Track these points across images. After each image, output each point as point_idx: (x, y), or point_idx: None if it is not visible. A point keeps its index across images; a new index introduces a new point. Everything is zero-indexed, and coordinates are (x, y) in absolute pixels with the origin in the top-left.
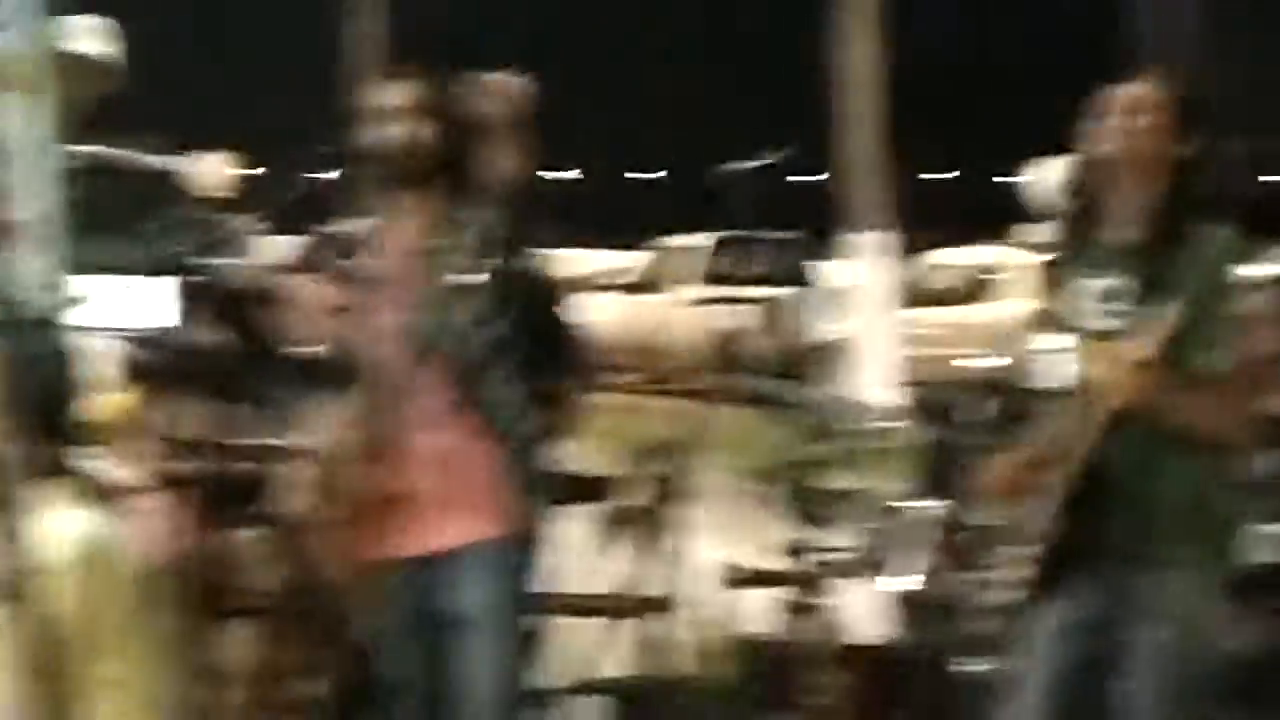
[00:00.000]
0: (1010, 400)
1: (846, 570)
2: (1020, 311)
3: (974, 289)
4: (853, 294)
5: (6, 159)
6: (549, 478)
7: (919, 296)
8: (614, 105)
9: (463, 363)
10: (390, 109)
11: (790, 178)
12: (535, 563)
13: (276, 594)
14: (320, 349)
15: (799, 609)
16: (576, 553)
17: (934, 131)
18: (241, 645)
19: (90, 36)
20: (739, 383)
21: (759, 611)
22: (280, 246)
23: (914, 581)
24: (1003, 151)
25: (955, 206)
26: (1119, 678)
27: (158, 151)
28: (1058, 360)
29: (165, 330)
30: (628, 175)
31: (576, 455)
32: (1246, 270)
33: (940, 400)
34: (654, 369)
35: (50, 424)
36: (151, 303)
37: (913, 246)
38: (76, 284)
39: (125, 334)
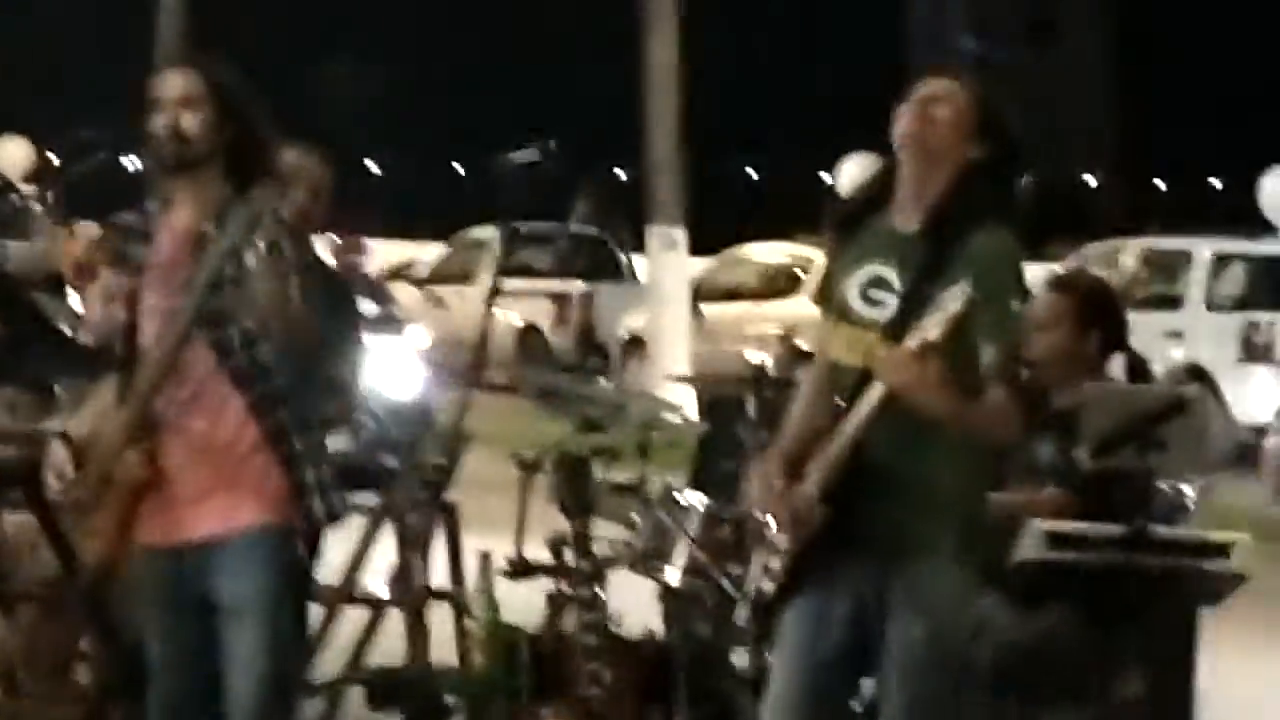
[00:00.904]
0: (777, 394)
1: (618, 562)
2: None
3: (776, 284)
4: (648, 289)
5: None
6: (325, 465)
7: (718, 291)
8: (425, 96)
9: (225, 347)
10: (164, 98)
11: (599, 172)
12: (307, 551)
13: (44, 581)
14: (98, 333)
15: (570, 600)
16: (346, 542)
17: (750, 129)
18: (9, 632)
19: None
20: (527, 375)
21: (530, 602)
22: (71, 232)
23: (681, 574)
24: (821, 148)
25: (766, 202)
26: (874, 670)
27: None
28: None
29: None
30: (435, 167)
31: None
32: (1023, 270)
33: (718, 394)
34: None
35: None
36: None
37: (716, 241)
38: None
39: None
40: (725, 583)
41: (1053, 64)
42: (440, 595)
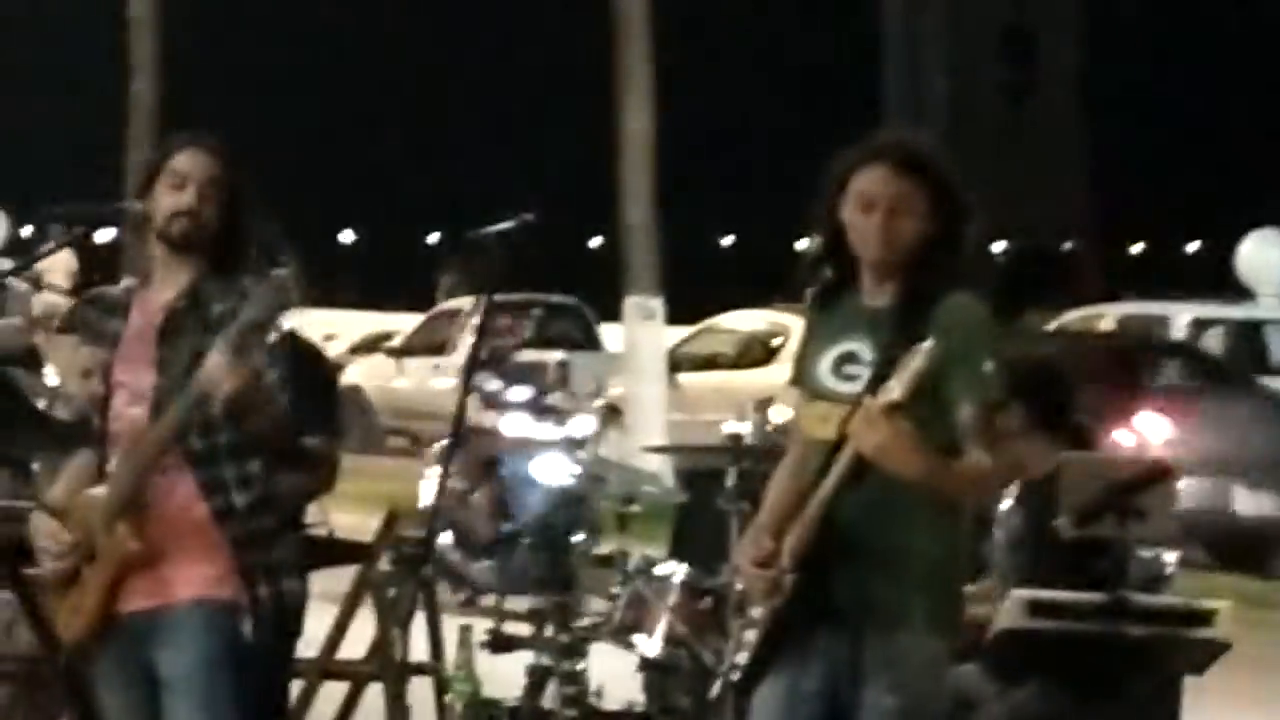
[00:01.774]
0: (755, 465)
1: (598, 634)
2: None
3: (752, 353)
4: (625, 358)
5: None
6: (296, 541)
7: (694, 361)
8: (396, 167)
9: (187, 428)
10: (190, 176)
11: (570, 241)
12: (260, 627)
13: (22, 658)
14: (75, 407)
15: (550, 673)
16: (326, 616)
17: (721, 196)
18: None
19: None
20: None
21: (510, 676)
22: (45, 304)
23: (660, 646)
24: (794, 216)
25: (743, 270)
26: None
27: None
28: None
29: None
30: (410, 237)
31: (331, 518)
32: (992, 328)
33: (696, 464)
34: (419, 432)
35: None
36: None
37: (693, 310)
38: None
39: None
40: (705, 655)
41: (1028, 126)
42: (420, 669)
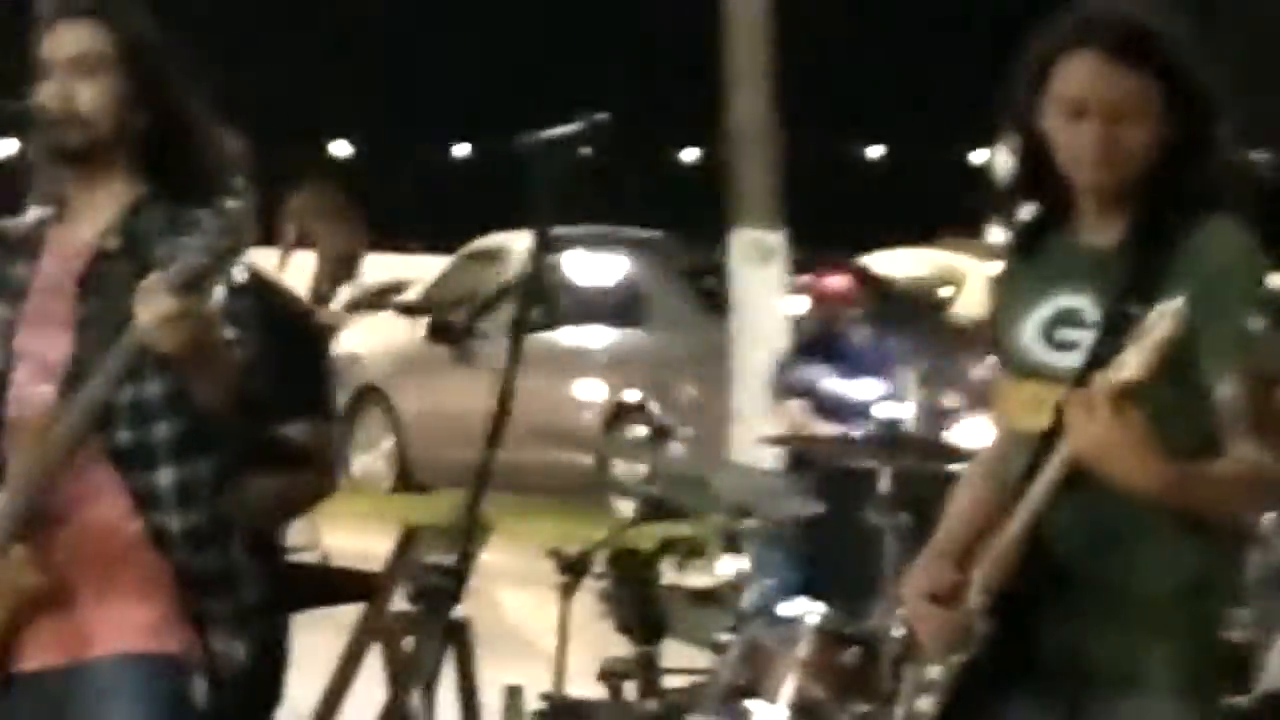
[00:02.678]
0: (921, 462)
1: (699, 701)
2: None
3: (915, 306)
4: (730, 315)
5: None
6: (273, 571)
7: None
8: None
9: (112, 410)
10: (54, 60)
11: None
12: (218, 692)
13: None
14: None
15: None
16: (319, 673)
17: (864, 92)
18: None
19: None
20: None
21: None
22: None
23: (786, 714)
24: (967, 119)
25: (897, 194)
26: None
27: None
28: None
29: None
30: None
31: (328, 539)
32: (1263, 273)
33: (835, 462)
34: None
35: None
36: None
37: (827, 249)
38: None
39: None
40: None
41: None
42: None
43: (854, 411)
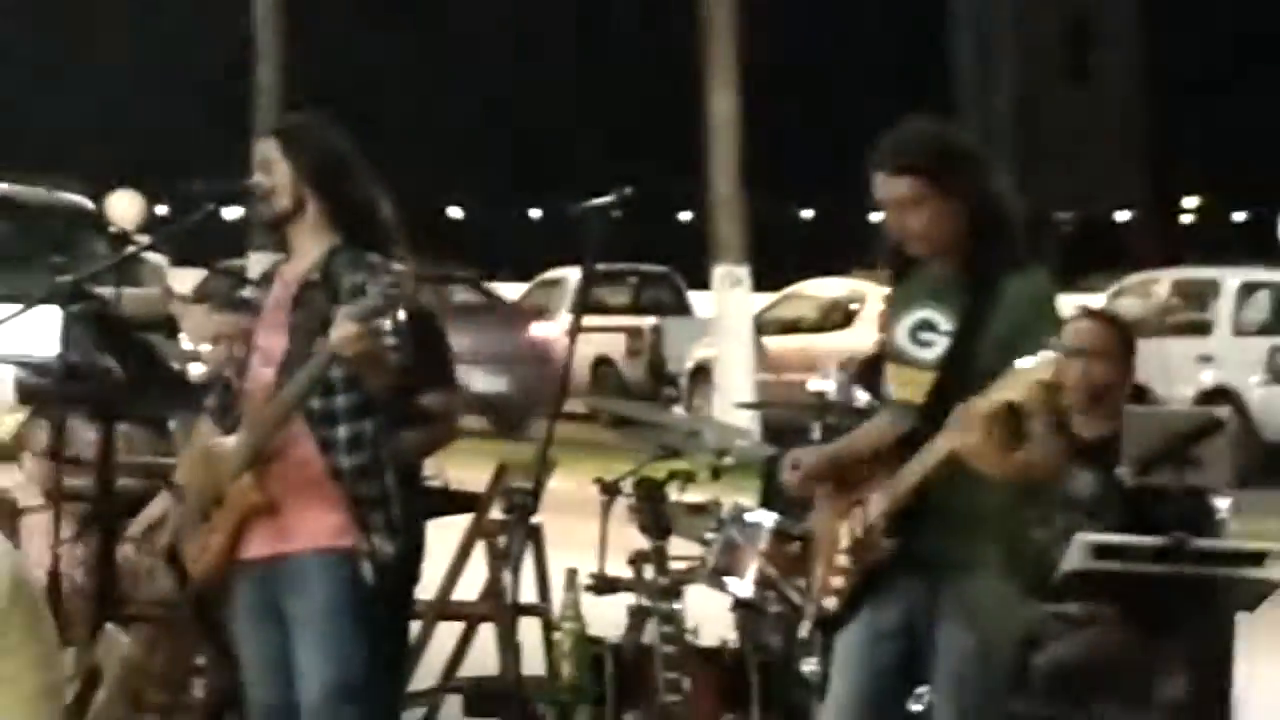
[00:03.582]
0: (839, 420)
1: (694, 577)
2: (868, 339)
3: (833, 317)
4: (713, 323)
5: None
6: (413, 494)
7: (779, 324)
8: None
9: (315, 389)
10: (262, 159)
11: (665, 215)
12: (380, 573)
13: (161, 602)
14: (205, 372)
15: (650, 613)
16: (442, 562)
17: (802, 172)
18: (130, 648)
19: None
20: (606, 403)
21: (613, 616)
22: (180, 277)
23: (751, 587)
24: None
25: (824, 241)
26: (926, 678)
27: (70, 189)
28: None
29: (53, 355)
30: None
31: (447, 471)
32: (1057, 309)
33: (782, 420)
34: None
35: None
36: (51, 331)
37: (777, 278)
38: None
39: (18, 359)
40: (793, 595)
41: (1088, 106)
42: (529, 610)
43: None
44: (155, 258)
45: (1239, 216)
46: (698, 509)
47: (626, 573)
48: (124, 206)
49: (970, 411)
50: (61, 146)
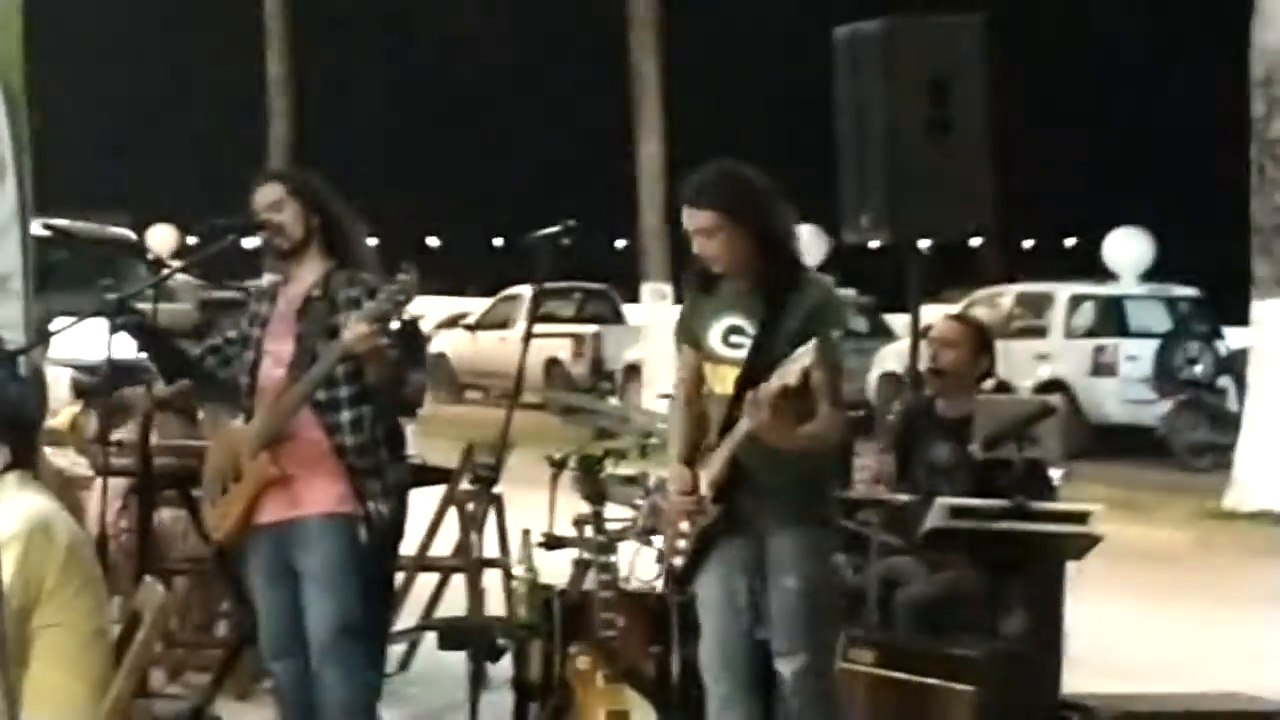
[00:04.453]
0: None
1: (626, 535)
2: None
3: None
4: (643, 330)
5: None
6: (397, 467)
7: None
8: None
9: (325, 381)
10: (261, 204)
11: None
12: (382, 536)
13: (192, 558)
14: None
15: (590, 565)
16: (421, 524)
17: None
18: (165, 597)
19: None
20: (556, 396)
21: (560, 567)
22: (208, 294)
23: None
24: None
25: None
26: (763, 617)
27: (117, 224)
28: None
29: (105, 360)
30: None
31: (426, 451)
32: (843, 308)
33: None
34: (489, 386)
35: (20, 431)
36: (100, 339)
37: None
38: (47, 325)
39: (76, 363)
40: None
41: (949, 153)
42: (492, 563)
43: None
44: (186, 278)
45: (1069, 242)
46: (629, 480)
47: (571, 532)
48: (161, 237)
49: (758, 397)
50: (112, 187)
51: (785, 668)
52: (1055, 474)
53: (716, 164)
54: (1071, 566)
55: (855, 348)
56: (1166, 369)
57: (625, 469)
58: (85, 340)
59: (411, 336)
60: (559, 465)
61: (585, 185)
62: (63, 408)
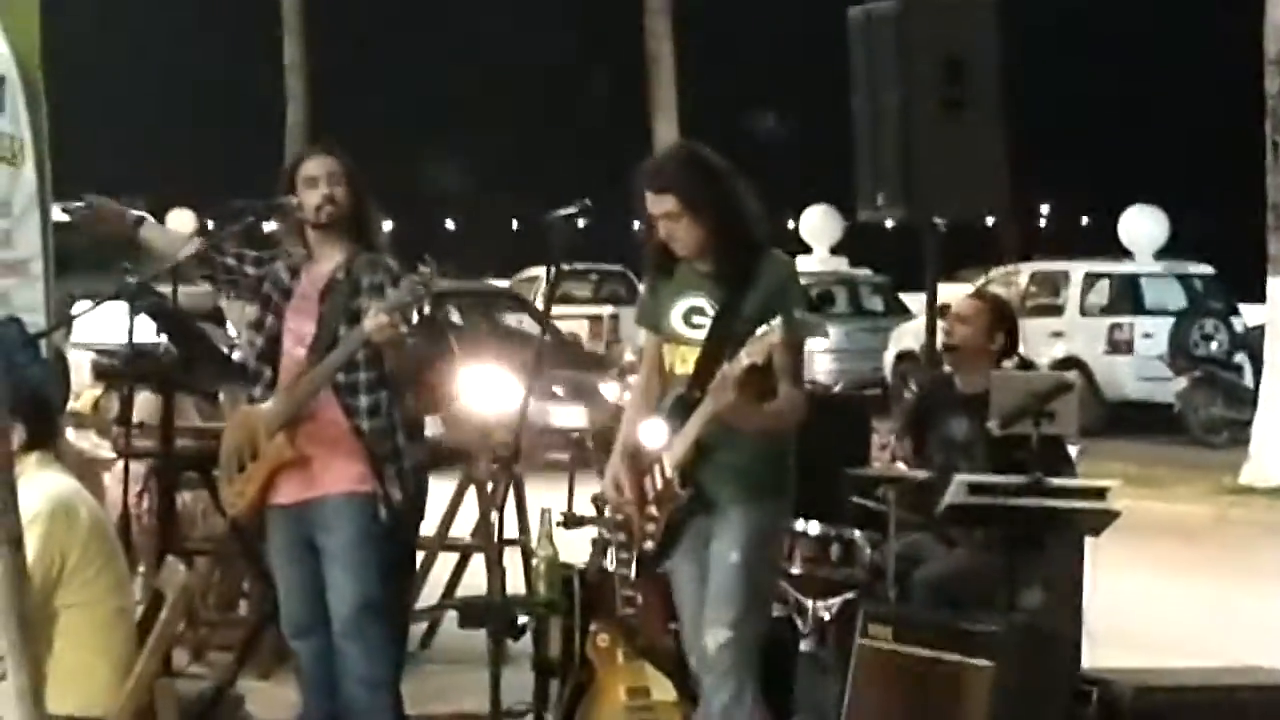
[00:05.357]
0: None
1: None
2: None
3: None
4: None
5: (8, 213)
6: (416, 449)
7: None
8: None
9: (346, 364)
10: (319, 175)
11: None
12: (401, 515)
13: (213, 539)
14: (245, 354)
15: (608, 544)
16: (441, 503)
17: None
18: (187, 577)
19: None
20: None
21: (579, 546)
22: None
23: None
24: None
25: None
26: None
27: (137, 207)
28: None
29: (124, 342)
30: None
31: (445, 432)
32: (801, 283)
33: None
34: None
35: (39, 411)
36: (121, 321)
37: None
38: (67, 308)
39: (96, 346)
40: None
41: (963, 131)
42: (512, 542)
43: None
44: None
45: (1084, 220)
46: None
47: (590, 511)
48: (180, 221)
49: (724, 377)
50: (131, 172)
51: (710, 639)
52: (1072, 450)
53: (674, 147)
54: (1090, 542)
55: (871, 327)
56: (1182, 346)
57: None
58: (105, 324)
59: (435, 330)
60: (578, 445)
61: (601, 167)
62: (84, 390)
